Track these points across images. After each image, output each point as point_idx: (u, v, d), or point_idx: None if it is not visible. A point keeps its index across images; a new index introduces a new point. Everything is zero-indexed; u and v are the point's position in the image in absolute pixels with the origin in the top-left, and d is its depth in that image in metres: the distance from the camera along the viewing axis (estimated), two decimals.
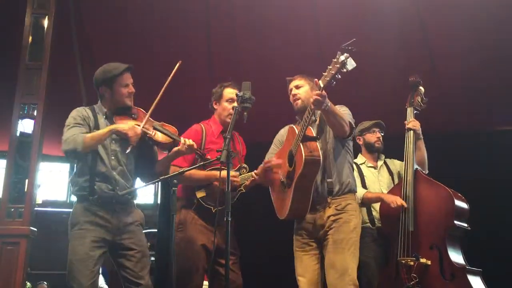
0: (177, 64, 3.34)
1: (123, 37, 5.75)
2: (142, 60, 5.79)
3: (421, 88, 3.98)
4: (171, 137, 3.24)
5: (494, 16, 5.01)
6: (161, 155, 3.46)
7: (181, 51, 5.76)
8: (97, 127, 3.21)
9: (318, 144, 3.08)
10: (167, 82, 3.28)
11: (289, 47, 5.63)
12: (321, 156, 3.05)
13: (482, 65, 5.25)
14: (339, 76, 2.76)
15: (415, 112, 3.97)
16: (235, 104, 3.54)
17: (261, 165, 3.51)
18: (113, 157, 3.20)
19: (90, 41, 5.91)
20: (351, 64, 2.71)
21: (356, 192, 3.38)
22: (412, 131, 3.87)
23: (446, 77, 5.50)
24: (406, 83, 4.02)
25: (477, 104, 5.48)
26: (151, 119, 3.28)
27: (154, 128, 3.25)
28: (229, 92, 3.68)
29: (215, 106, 3.76)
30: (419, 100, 3.96)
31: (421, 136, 3.94)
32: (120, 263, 3.19)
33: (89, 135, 3.07)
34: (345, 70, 2.73)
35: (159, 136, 3.24)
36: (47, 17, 4.51)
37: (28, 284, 6.89)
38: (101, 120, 3.26)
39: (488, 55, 5.21)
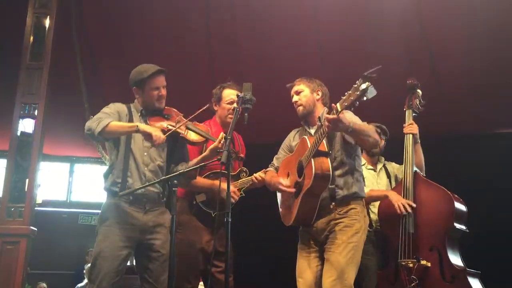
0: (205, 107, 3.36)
1: (124, 37, 5.76)
2: (143, 60, 5.78)
3: (419, 90, 4.00)
4: (204, 137, 3.25)
5: (496, 17, 5.00)
6: None
7: (182, 52, 5.77)
8: (131, 121, 3.22)
9: (329, 160, 3.05)
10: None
11: (290, 47, 5.62)
12: (331, 172, 3.02)
13: (484, 66, 5.25)
14: (358, 104, 2.68)
15: (413, 114, 3.98)
16: (235, 105, 3.54)
17: (264, 174, 3.52)
18: (145, 154, 3.20)
19: (91, 41, 5.92)
20: (371, 92, 2.63)
21: (364, 197, 3.31)
22: (411, 134, 3.88)
23: (447, 78, 5.50)
24: (406, 85, 4.03)
25: (478, 106, 5.48)
26: (184, 119, 3.29)
27: (187, 128, 3.25)
28: (229, 93, 3.65)
29: (215, 108, 3.73)
30: (417, 102, 3.98)
31: (419, 140, 3.95)
32: (142, 263, 3.17)
33: (114, 122, 3.07)
34: (365, 98, 2.64)
35: (192, 135, 3.24)
36: (48, 17, 4.53)
37: (28, 285, 6.88)
38: (136, 116, 3.26)
39: (490, 56, 5.20)
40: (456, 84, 5.48)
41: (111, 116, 3.14)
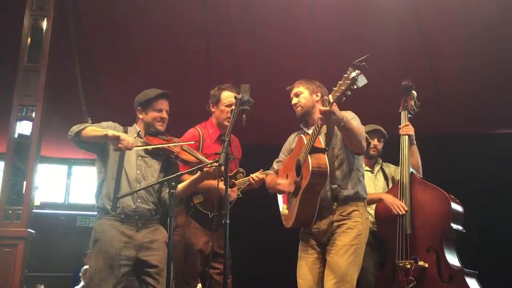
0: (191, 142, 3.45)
1: (121, 40, 5.76)
2: (141, 61, 5.80)
3: (414, 92, 4.01)
4: (198, 159, 3.25)
5: (494, 17, 5.01)
6: None
7: (181, 54, 5.77)
8: None
9: (325, 156, 3.05)
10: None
11: (288, 48, 5.63)
12: (328, 168, 3.02)
13: (481, 66, 5.25)
14: (349, 93, 2.71)
15: (409, 115, 4.00)
16: (233, 107, 3.54)
17: (261, 174, 3.53)
18: (138, 171, 3.22)
19: (89, 43, 5.91)
20: (362, 81, 2.66)
21: (366, 198, 3.32)
22: (406, 136, 3.89)
23: (445, 79, 5.51)
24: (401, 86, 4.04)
25: (476, 107, 5.48)
26: (181, 142, 3.36)
27: (182, 149, 3.30)
28: (228, 95, 3.64)
29: (212, 109, 3.72)
30: (413, 104, 3.99)
31: (415, 142, 3.95)
32: (144, 280, 3.15)
33: (90, 127, 3.11)
34: (355, 86, 2.67)
35: (186, 155, 3.27)
36: (45, 18, 4.52)
37: None
38: (131, 135, 3.27)
39: (487, 57, 5.21)
40: (454, 84, 5.49)
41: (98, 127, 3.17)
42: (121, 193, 3.12)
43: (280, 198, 3.49)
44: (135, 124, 3.40)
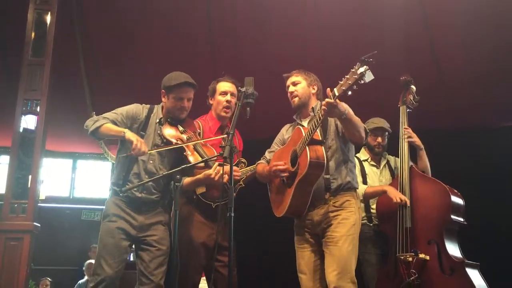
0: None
1: (125, 33, 5.75)
2: (144, 55, 5.79)
3: (413, 86, 4.03)
4: (204, 162, 3.27)
5: (499, 11, 4.97)
6: None
7: (184, 47, 5.76)
8: (144, 129, 3.38)
9: (323, 149, 3.08)
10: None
11: (292, 42, 5.62)
12: (325, 160, 3.06)
13: (487, 60, 5.22)
14: (356, 87, 2.74)
15: (408, 110, 4.01)
16: (229, 96, 3.59)
17: (263, 162, 3.54)
18: (151, 162, 3.34)
19: (92, 36, 5.91)
20: (369, 76, 2.70)
21: (357, 189, 3.36)
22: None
23: (450, 73, 5.48)
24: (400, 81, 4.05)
25: (481, 101, 5.45)
26: (198, 137, 3.42)
27: (194, 148, 3.36)
28: (223, 85, 3.68)
29: (210, 102, 3.75)
30: (411, 98, 4.02)
31: (422, 147, 3.95)
32: (139, 255, 3.34)
33: (107, 125, 3.23)
34: (362, 82, 2.71)
35: (193, 159, 3.31)
36: (49, 12, 4.52)
37: (31, 282, 6.91)
38: (153, 123, 3.40)
39: (492, 51, 5.17)
40: (458, 73, 5.44)
41: (109, 119, 3.29)
42: (130, 180, 3.31)
43: (270, 188, 3.49)
44: (161, 104, 3.48)
